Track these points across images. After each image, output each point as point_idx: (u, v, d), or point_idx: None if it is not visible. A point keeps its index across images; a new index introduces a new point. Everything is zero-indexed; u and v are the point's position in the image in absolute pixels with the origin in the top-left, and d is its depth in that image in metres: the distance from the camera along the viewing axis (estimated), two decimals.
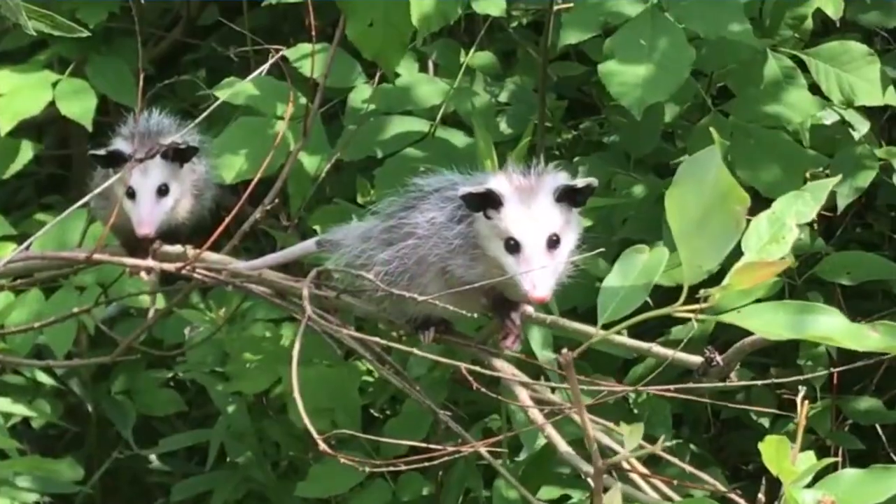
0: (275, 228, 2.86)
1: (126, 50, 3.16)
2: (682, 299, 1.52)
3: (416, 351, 1.94)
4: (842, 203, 2.67)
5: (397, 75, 2.67)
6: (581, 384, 1.58)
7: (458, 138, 2.70)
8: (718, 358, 1.84)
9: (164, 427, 3.30)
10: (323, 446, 1.74)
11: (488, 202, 1.89)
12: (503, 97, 2.87)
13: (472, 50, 2.86)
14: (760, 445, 1.53)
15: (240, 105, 2.73)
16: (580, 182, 1.90)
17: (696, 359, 1.87)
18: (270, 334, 2.85)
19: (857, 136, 2.72)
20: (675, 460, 2.01)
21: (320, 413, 2.59)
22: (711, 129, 2.09)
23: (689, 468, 1.95)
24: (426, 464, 1.80)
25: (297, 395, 1.80)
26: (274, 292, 2.19)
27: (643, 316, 1.53)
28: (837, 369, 2.27)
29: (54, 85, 2.99)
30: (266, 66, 2.00)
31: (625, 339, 1.94)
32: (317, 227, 2.68)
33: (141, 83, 2.20)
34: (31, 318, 2.79)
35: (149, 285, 2.37)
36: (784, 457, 1.53)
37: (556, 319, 2.01)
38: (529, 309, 2.01)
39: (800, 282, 2.70)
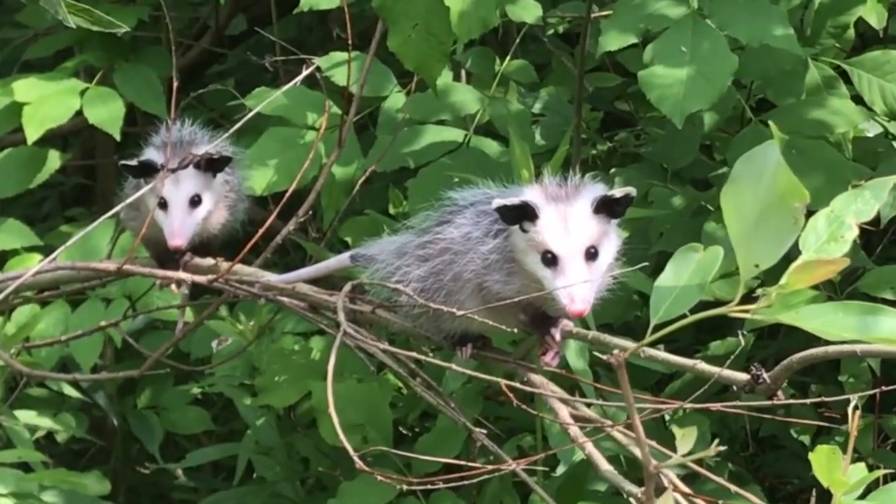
0: (304, 241, 2.83)
1: (154, 59, 3.13)
2: (737, 298, 1.46)
3: (452, 366, 1.90)
4: (885, 215, 2.62)
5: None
6: (622, 400, 1.53)
7: (492, 148, 2.66)
8: (765, 375, 1.78)
9: (188, 442, 3.26)
10: (359, 463, 1.70)
11: (524, 215, 1.84)
12: (537, 108, 2.83)
13: (507, 58, 2.81)
14: (811, 456, 1.50)
15: (269, 116, 2.70)
16: (618, 192, 1.85)
17: (742, 376, 1.82)
18: (300, 347, 2.80)
19: None
20: (715, 477, 1.95)
21: (351, 429, 2.54)
22: (771, 122, 2.04)
23: (732, 486, 1.90)
24: (463, 482, 1.75)
25: (332, 410, 1.76)
26: (307, 306, 2.14)
27: (697, 316, 1.47)
28: (884, 389, 2.20)
29: (82, 93, 2.95)
30: (302, 76, 1.97)
31: (668, 356, 1.88)
32: (347, 239, 2.64)
33: (175, 92, 2.16)
34: (57, 330, 2.76)
35: (179, 298, 2.33)
36: (835, 468, 1.50)
37: (598, 335, 1.95)
38: (569, 324, 1.96)
39: (842, 297, 2.64)
